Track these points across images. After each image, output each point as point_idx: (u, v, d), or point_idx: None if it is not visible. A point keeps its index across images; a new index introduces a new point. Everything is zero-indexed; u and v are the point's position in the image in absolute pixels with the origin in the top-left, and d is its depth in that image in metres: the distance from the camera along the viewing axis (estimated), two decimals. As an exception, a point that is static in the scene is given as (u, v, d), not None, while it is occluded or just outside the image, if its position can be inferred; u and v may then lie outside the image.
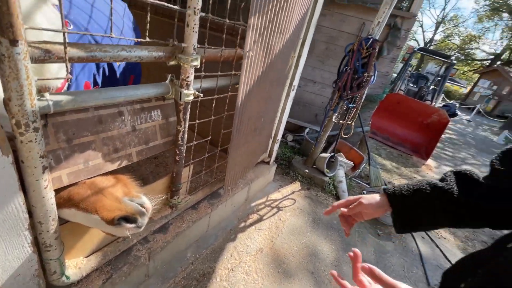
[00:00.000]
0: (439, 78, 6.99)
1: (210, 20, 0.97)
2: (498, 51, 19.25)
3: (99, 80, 1.15)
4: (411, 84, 7.15)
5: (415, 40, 22.29)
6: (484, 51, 20.43)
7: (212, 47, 1.04)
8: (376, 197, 0.66)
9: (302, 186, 2.55)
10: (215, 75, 1.14)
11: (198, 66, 0.97)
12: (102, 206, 0.67)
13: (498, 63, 17.95)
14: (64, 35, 0.58)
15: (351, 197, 0.69)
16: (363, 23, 3.15)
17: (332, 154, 2.74)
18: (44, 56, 0.59)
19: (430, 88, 6.57)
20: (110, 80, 1.19)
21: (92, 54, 0.69)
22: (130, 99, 0.87)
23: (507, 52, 18.07)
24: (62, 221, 0.78)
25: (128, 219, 0.69)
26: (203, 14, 0.91)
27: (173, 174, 1.18)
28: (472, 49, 20.74)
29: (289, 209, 2.14)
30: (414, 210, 0.61)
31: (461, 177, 0.59)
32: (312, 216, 2.14)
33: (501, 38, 19.24)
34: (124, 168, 1.02)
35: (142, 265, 1.16)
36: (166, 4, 0.79)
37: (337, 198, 2.57)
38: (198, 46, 0.95)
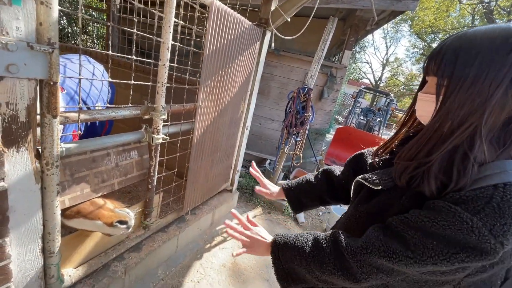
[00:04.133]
0: (385, 111, 8.15)
1: (175, 76, 1.42)
2: (435, 87, 22.53)
3: (82, 128, 1.52)
4: (361, 117, 8.20)
5: (368, 79, 25.38)
6: (424, 87, 23.80)
7: (176, 105, 1.47)
8: (277, 188, 1.02)
9: (264, 211, 2.91)
10: (178, 123, 1.55)
11: (166, 119, 1.38)
12: (102, 215, 0.99)
13: (436, 96, 20.90)
14: (79, 109, 0.97)
15: (265, 187, 1.02)
16: (306, 72, 3.89)
17: (289, 179, 3.18)
18: (65, 120, 0.96)
19: (377, 120, 7.60)
20: (92, 125, 1.59)
21: (93, 116, 1.07)
22: (116, 144, 1.23)
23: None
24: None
25: (121, 222, 1.01)
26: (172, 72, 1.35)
27: (146, 200, 1.50)
28: (414, 85, 24.03)
29: (251, 230, 2.45)
30: (297, 198, 0.97)
31: (326, 171, 0.97)
32: (271, 234, 2.46)
33: (435, 76, 22.69)
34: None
35: (119, 278, 1.40)
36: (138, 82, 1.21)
37: (295, 219, 2.94)
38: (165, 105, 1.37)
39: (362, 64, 25.56)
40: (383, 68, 24.59)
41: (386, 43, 23.75)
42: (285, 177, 3.65)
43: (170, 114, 1.43)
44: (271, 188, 1.02)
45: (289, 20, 2.02)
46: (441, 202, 0.50)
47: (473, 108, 0.50)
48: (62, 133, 1.33)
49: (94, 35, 6.94)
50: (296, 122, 2.78)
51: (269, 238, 0.77)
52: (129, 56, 1.12)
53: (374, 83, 24.27)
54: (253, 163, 1.06)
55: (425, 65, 0.60)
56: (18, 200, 0.85)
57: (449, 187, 0.51)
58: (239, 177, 3.12)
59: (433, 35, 16.71)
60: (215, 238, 2.20)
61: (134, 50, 1.12)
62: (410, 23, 17.47)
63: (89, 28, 6.38)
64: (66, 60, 1.53)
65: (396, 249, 0.52)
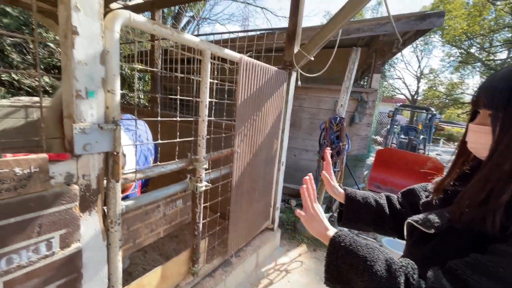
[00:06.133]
0: (428, 127, 7.57)
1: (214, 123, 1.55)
2: (483, 93, 20.46)
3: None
4: (402, 136, 7.69)
5: (403, 94, 24.22)
6: (469, 95, 21.90)
7: (215, 152, 1.58)
8: (339, 189, 0.92)
9: (309, 248, 2.77)
10: (218, 169, 1.65)
11: (207, 167, 1.49)
12: None
13: (487, 103, 18.85)
14: (136, 170, 1.11)
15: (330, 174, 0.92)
16: (336, 100, 3.90)
17: (331, 213, 3.04)
18: (124, 181, 1.10)
19: (420, 137, 7.07)
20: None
21: (147, 174, 1.21)
22: (165, 196, 1.35)
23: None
24: None
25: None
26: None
27: (193, 246, 1.56)
28: (457, 94, 22.22)
29: (297, 270, 2.34)
30: (357, 211, 0.88)
31: (388, 197, 0.91)
32: (319, 275, 2.32)
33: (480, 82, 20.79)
34: (150, 248, 1.44)
35: (172, 328, 1.42)
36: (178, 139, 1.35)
37: (343, 256, 2.74)
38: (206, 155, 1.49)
39: (394, 81, 24.65)
40: (418, 81, 23.38)
41: (417, 56, 22.88)
42: (327, 208, 3.49)
43: (210, 162, 1.54)
44: (335, 183, 0.93)
45: (312, 59, 2.12)
46: (504, 246, 0.49)
47: None
48: (133, 190, 1.53)
49: (140, 90, 7.89)
50: (332, 152, 2.73)
51: (330, 226, 0.70)
52: (174, 119, 1.28)
53: (410, 97, 23.03)
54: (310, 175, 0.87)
55: (475, 97, 0.59)
56: (90, 258, 0.96)
57: (510, 229, 0.49)
58: (279, 213, 3.08)
59: (469, 41, 15.73)
60: (261, 281, 2.14)
61: (178, 112, 1.28)
62: (441, 33, 16.78)
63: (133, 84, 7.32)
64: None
65: None
